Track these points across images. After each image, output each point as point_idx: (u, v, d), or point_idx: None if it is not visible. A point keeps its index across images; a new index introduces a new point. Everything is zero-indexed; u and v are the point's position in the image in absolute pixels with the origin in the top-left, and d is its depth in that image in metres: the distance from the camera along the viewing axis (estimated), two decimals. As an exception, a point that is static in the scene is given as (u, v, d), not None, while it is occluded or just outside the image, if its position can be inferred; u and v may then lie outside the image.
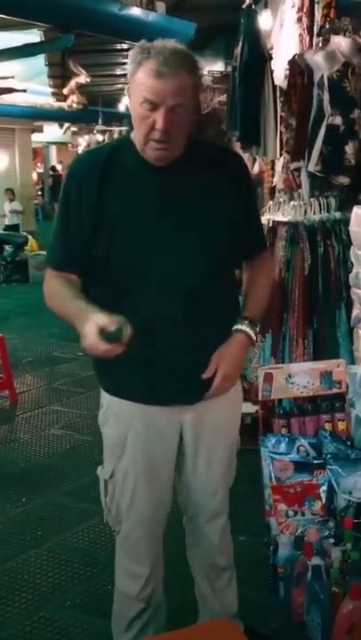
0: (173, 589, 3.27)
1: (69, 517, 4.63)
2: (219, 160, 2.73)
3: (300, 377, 4.21)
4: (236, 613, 3.09)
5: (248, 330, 2.71)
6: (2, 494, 5.05)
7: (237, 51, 5.87)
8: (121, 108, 19.02)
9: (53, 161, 32.88)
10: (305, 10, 5.45)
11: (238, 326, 2.71)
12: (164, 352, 2.61)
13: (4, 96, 15.91)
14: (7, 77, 13.26)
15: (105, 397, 2.81)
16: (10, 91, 14.41)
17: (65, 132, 24.96)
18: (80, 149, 31.75)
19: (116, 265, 2.59)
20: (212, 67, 11.49)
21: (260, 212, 3.29)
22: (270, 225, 5.07)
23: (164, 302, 2.57)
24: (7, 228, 18.23)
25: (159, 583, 2.97)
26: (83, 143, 30.01)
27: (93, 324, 2.35)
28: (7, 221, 18.75)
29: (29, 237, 16.55)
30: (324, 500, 3.91)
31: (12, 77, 13.40)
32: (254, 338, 2.76)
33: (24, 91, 15.17)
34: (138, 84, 2.44)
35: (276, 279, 4.79)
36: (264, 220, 5.32)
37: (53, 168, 31.80)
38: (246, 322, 2.72)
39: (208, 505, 2.92)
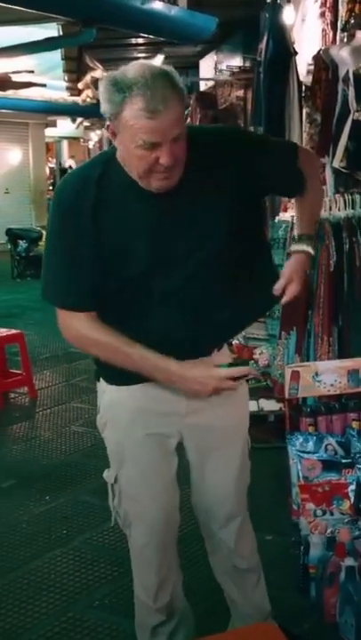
0: (197, 595, 3.25)
1: (94, 516, 4.61)
2: (210, 149, 2.51)
3: (327, 375, 4.18)
4: (270, 612, 3.07)
5: (306, 248, 2.70)
6: (25, 492, 5.04)
7: (262, 45, 5.83)
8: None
9: (65, 155, 32.87)
10: (328, 5, 5.43)
11: (297, 247, 2.72)
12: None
13: (18, 90, 15.91)
14: (27, 71, 13.21)
15: (102, 399, 2.75)
16: (29, 85, 14.36)
17: (77, 127, 24.96)
18: (91, 144, 31.78)
19: (125, 292, 2.49)
20: (231, 62, 11.47)
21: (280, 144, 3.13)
22: (295, 222, 5.03)
23: (176, 321, 2.51)
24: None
25: (178, 591, 2.94)
26: (95, 138, 30.00)
27: (212, 368, 2.44)
28: None
29: (43, 232, 16.51)
30: (352, 500, 3.89)
31: (32, 72, 13.35)
32: (313, 252, 2.75)
33: (44, 85, 15.11)
34: (127, 126, 2.25)
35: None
36: (288, 216, 5.30)
37: (65, 169, 31.70)
38: (303, 239, 2.72)
39: (218, 511, 2.87)
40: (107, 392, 2.71)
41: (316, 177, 2.90)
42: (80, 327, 2.49)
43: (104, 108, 2.31)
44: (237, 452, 2.84)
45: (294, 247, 2.73)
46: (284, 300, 2.60)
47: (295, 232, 2.83)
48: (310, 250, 2.70)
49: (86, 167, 2.58)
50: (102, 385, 2.73)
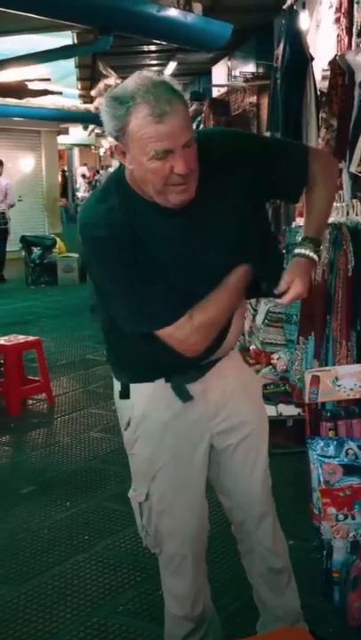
0: (224, 598, 3.26)
1: (115, 521, 4.63)
2: (219, 155, 2.49)
3: (346, 380, 4.19)
4: (301, 614, 3.09)
5: (312, 255, 2.56)
6: (46, 498, 5.06)
7: (278, 52, 5.85)
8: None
9: (76, 163, 32.96)
10: (343, 10, 5.42)
11: (299, 250, 2.58)
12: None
13: (30, 98, 15.96)
14: (43, 79, 13.26)
15: (132, 414, 2.69)
16: (45, 93, 14.41)
17: (89, 135, 25.04)
18: (102, 151, 31.86)
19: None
20: (244, 68, 11.50)
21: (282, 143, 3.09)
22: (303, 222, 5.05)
23: None
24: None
25: (208, 599, 2.96)
26: (106, 145, 30.07)
27: None
28: None
29: (57, 239, 16.54)
30: (373, 504, 3.90)
31: (49, 79, 13.40)
32: (315, 257, 2.59)
33: (60, 93, 15.16)
34: (136, 138, 2.23)
35: (318, 281, 4.78)
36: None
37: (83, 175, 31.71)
38: (306, 243, 2.58)
39: (252, 510, 2.89)
40: (137, 407, 2.67)
41: (330, 178, 2.75)
42: (197, 319, 2.43)
43: (109, 127, 2.29)
44: (263, 451, 2.87)
45: (296, 250, 2.59)
46: (285, 299, 2.53)
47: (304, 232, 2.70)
48: (312, 254, 2.57)
49: (101, 198, 2.50)
50: (131, 401, 2.69)
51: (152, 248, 2.39)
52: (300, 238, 2.66)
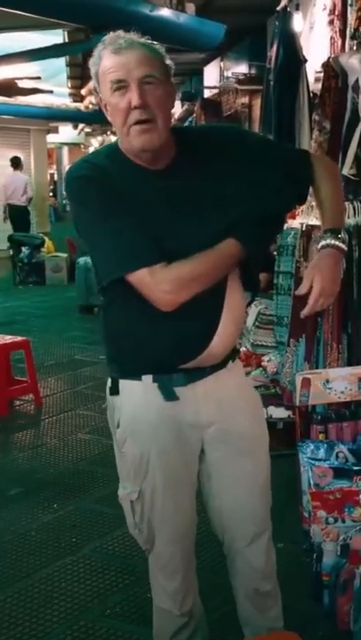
0: (210, 603, 3.24)
1: (103, 524, 4.60)
2: (214, 139, 2.62)
3: (337, 382, 4.17)
4: (282, 628, 3.04)
5: (336, 242, 2.51)
6: (33, 500, 5.02)
7: (272, 53, 5.83)
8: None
9: (65, 161, 32.94)
10: (337, 12, 5.42)
11: (325, 241, 2.53)
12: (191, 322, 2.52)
13: (19, 96, 15.97)
14: (33, 78, 13.25)
15: (121, 413, 2.68)
16: (36, 91, 14.41)
17: (79, 133, 25.04)
18: (91, 150, 31.88)
19: None
20: (236, 69, 11.50)
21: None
22: (304, 229, 5.03)
23: None
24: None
25: (197, 595, 2.92)
26: (95, 144, 30.08)
27: None
28: None
29: (46, 239, 16.52)
30: (364, 507, 3.89)
31: (39, 78, 13.39)
32: (344, 247, 2.53)
33: (50, 92, 15.16)
34: (102, 74, 2.39)
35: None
36: (297, 223, 5.30)
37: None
38: (329, 234, 2.54)
39: (245, 527, 2.83)
40: (125, 405, 2.65)
41: (335, 176, 2.76)
42: (175, 269, 2.39)
43: (92, 83, 2.48)
44: (262, 463, 2.81)
45: (320, 243, 2.55)
46: (310, 300, 2.45)
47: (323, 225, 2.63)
48: (335, 242, 2.51)
49: (90, 156, 2.68)
50: (120, 399, 2.67)
51: (133, 204, 2.42)
52: (318, 235, 2.62)
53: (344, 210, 2.72)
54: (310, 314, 2.52)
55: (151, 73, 2.37)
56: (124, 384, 2.65)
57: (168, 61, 2.45)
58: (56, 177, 32.96)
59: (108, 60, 2.35)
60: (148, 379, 2.59)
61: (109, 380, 2.71)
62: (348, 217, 4.83)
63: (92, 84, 2.52)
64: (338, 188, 2.73)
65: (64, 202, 30.01)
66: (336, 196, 2.68)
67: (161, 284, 2.38)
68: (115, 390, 2.68)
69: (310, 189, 2.73)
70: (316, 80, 5.70)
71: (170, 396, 2.58)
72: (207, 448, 2.71)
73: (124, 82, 2.35)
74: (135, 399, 2.63)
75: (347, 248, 2.56)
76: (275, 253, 5.52)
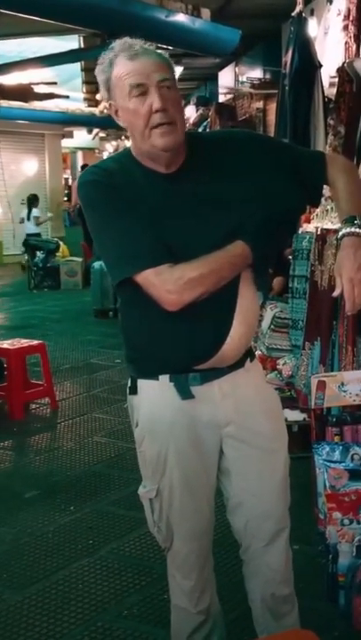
0: (226, 605, 3.25)
1: (119, 526, 4.62)
2: (224, 143, 2.65)
3: (352, 385, 4.18)
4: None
5: (354, 229, 2.46)
6: (50, 503, 5.06)
7: (286, 58, 5.85)
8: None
9: (79, 166, 32.97)
10: (351, 18, 5.44)
11: (343, 231, 2.49)
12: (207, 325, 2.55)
13: (35, 101, 16.01)
14: (49, 83, 13.30)
15: (139, 413, 2.71)
16: (52, 96, 14.45)
17: (94, 138, 25.07)
18: (105, 155, 31.90)
19: None
20: (251, 74, 11.50)
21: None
22: (319, 233, 5.05)
23: None
24: (27, 237, 17.62)
25: (214, 594, 2.93)
26: (110, 149, 30.11)
27: None
28: (26, 230, 17.96)
29: (60, 243, 16.56)
30: (379, 509, 3.89)
31: (55, 83, 13.44)
32: None
33: (67, 97, 15.20)
34: (118, 83, 2.41)
35: (325, 287, 4.78)
36: (312, 227, 5.32)
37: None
38: (347, 223, 2.50)
39: (264, 525, 2.82)
40: (143, 405, 2.69)
41: (352, 172, 2.73)
42: (180, 270, 2.41)
43: (102, 90, 2.51)
44: (281, 461, 2.81)
45: (343, 230, 2.49)
46: (348, 307, 2.40)
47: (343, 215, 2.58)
48: (356, 229, 2.45)
49: (103, 161, 2.73)
50: (138, 398, 2.71)
51: (142, 207, 2.46)
52: (338, 226, 2.58)
53: None
54: (355, 310, 2.42)
55: (167, 77, 2.44)
56: (142, 383, 2.68)
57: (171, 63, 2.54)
58: (70, 182, 33.00)
59: (125, 65, 2.39)
60: (164, 378, 2.62)
61: (129, 380, 2.75)
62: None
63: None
64: (353, 181, 2.70)
65: (77, 206, 30.04)
66: (351, 187, 2.66)
67: (166, 283, 2.41)
68: (133, 390, 2.72)
69: (327, 191, 2.76)
70: (331, 85, 5.72)
71: (186, 394, 2.60)
72: (225, 447, 2.73)
73: (144, 86, 2.39)
74: (152, 398, 2.66)
75: None
76: (290, 257, 5.53)
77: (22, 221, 18.30)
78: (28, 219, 17.94)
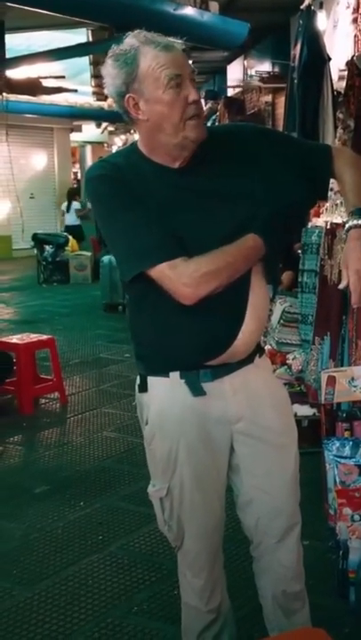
0: (235, 602, 3.24)
1: (129, 521, 4.62)
2: (231, 137, 2.66)
3: (363, 380, 4.16)
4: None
5: (360, 222, 2.42)
6: (59, 498, 5.06)
7: (295, 52, 5.81)
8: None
9: (89, 160, 32.96)
10: (361, 11, 5.41)
11: (349, 224, 2.45)
12: (217, 318, 2.54)
13: (43, 95, 15.99)
14: (58, 77, 13.27)
15: (149, 411, 2.70)
16: (60, 90, 14.42)
17: (103, 132, 25.05)
18: (114, 149, 31.88)
19: None
20: (260, 67, 11.48)
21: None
22: (328, 227, 5.02)
23: None
24: (68, 229, 18.17)
25: (225, 592, 2.92)
26: (119, 143, 30.08)
27: None
28: (67, 221, 18.65)
29: (70, 238, 16.56)
30: (390, 505, 3.88)
31: (64, 77, 13.41)
32: None
33: (75, 91, 15.18)
34: (149, 73, 2.37)
35: (334, 282, 4.75)
36: (321, 221, 5.29)
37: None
38: (353, 215, 2.46)
39: (276, 521, 2.81)
40: (153, 402, 2.67)
41: (358, 164, 2.69)
42: (196, 263, 2.40)
43: (118, 82, 2.41)
44: (292, 456, 2.80)
45: (349, 223, 2.46)
46: (355, 299, 2.36)
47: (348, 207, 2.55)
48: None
49: (110, 157, 2.72)
50: (148, 396, 2.69)
51: (151, 201, 2.46)
52: (343, 219, 2.58)
53: None
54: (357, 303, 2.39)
55: (194, 70, 2.47)
56: (152, 381, 2.67)
57: None
58: (79, 175, 32.99)
59: (158, 56, 2.36)
60: (175, 375, 2.61)
61: (138, 378, 2.73)
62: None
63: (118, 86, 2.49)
64: (359, 174, 2.67)
65: (85, 201, 30.07)
66: (358, 179, 2.62)
67: (182, 277, 2.40)
68: (143, 387, 2.70)
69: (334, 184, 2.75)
70: (340, 78, 5.69)
71: (197, 391, 2.59)
72: (236, 444, 2.72)
73: (180, 77, 2.38)
74: (163, 395, 2.65)
75: None
76: (299, 251, 5.51)
77: (63, 214, 18.86)
78: (68, 211, 18.38)
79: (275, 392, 2.82)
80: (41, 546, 4.41)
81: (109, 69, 2.42)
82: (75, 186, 20.77)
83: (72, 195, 18.62)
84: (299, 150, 2.73)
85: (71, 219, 18.29)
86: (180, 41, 2.46)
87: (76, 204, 18.10)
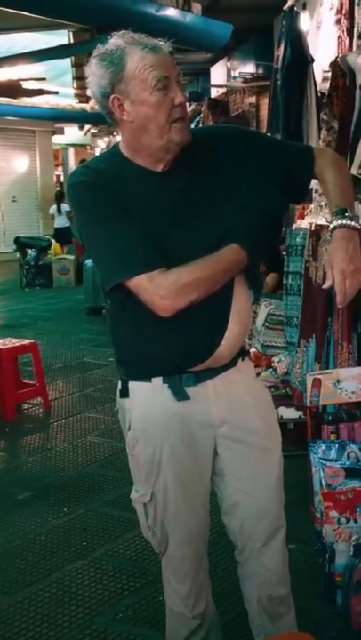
0: (221, 606, 3.21)
1: (114, 527, 4.58)
2: (212, 140, 2.62)
3: (348, 382, 4.14)
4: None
5: (343, 221, 2.42)
6: (43, 504, 5.01)
7: (278, 53, 5.80)
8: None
9: (72, 163, 32.90)
10: (344, 12, 5.41)
11: (333, 224, 2.45)
12: (199, 325, 2.50)
13: (24, 97, 15.94)
14: (38, 79, 13.23)
15: (132, 416, 2.67)
16: (41, 92, 14.39)
17: (85, 134, 25.00)
18: (98, 151, 31.83)
19: None
20: (243, 68, 11.48)
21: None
22: (313, 229, 5.00)
23: None
24: (58, 231, 18.17)
25: (210, 597, 2.90)
26: (102, 145, 30.03)
27: None
28: (57, 224, 18.63)
29: (53, 241, 16.53)
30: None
31: (44, 79, 13.37)
32: (355, 224, 2.43)
33: (56, 93, 15.14)
34: (136, 74, 2.34)
35: (319, 283, 4.73)
36: (306, 223, 5.28)
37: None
38: (337, 215, 2.46)
39: (261, 525, 2.79)
40: (136, 407, 2.64)
41: (340, 165, 2.71)
42: (174, 275, 2.37)
43: (103, 83, 2.38)
44: (275, 459, 2.78)
45: (331, 226, 2.46)
46: (339, 299, 2.38)
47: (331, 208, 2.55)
48: (345, 221, 2.42)
49: (91, 161, 2.66)
50: (131, 401, 2.66)
51: (133, 207, 2.43)
52: (327, 220, 2.58)
53: (351, 194, 2.66)
54: (346, 302, 2.41)
55: (180, 72, 2.45)
56: (134, 386, 2.64)
57: None
58: (62, 178, 32.94)
59: (146, 58, 2.34)
60: (157, 380, 2.58)
61: (119, 383, 2.70)
62: (359, 216, 4.80)
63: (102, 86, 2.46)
64: (341, 174, 2.68)
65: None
66: (340, 180, 2.63)
67: (159, 289, 2.36)
68: (125, 393, 2.67)
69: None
70: (324, 79, 5.69)
71: (180, 395, 2.57)
72: (220, 448, 2.69)
73: (168, 79, 2.36)
74: (145, 400, 2.62)
75: (359, 225, 2.44)
76: (284, 254, 5.50)
77: (53, 217, 18.81)
78: (60, 213, 18.37)
79: (258, 395, 2.80)
80: (24, 553, 4.36)
81: (94, 69, 2.39)
82: (57, 189, 20.69)
83: (61, 197, 18.55)
84: (282, 153, 2.71)
85: (62, 221, 18.25)
86: (166, 43, 2.43)
87: (65, 206, 17.98)
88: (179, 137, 2.42)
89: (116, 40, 2.38)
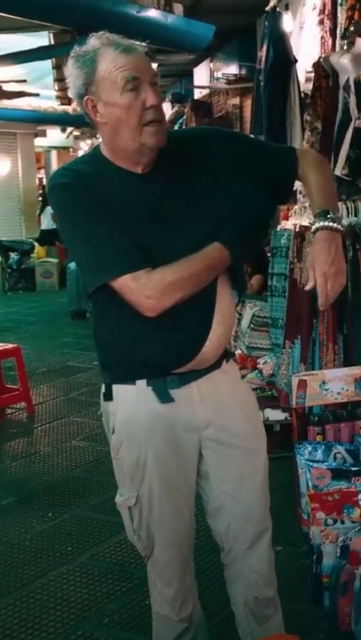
0: (208, 609, 3.20)
1: (99, 531, 4.55)
2: (194, 142, 2.62)
3: (334, 383, 4.15)
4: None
5: (325, 223, 2.41)
6: (27, 509, 4.97)
7: (261, 54, 5.78)
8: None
9: (54, 165, 32.83)
10: (327, 12, 5.39)
11: (315, 225, 2.43)
12: (182, 326, 2.49)
13: (5, 100, 15.88)
14: (19, 81, 13.19)
15: (116, 419, 2.65)
16: (21, 95, 14.35)
17: (68, 137, 24.95)
18: (81, 153, 31.77)
19: None
20: (227, 69, 11.48)
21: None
22: (297, 230, 4.99)
23: None
24: (45, 232, 18.07)
25: (196, 601, 2.88)
26: (85, 147, 29.98)
27: None
28: (43, 225, 18.54)
29: (35, 244, 16.48)
30: (363, 508, 3.86)
31: (25, 81, 13.33)
32: (336, 225, 2.43)
33: (37, 95, 15.10)
34: (106, 76, 2.33)
35: (304, 285, 4.72)
36: (290, 224, 5.26)
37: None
38: (319, 217, 2.45)
39: (247, 527, 2.78)
40: (120, 410, 2.63)
41: (323, 166, 2.70)
42: (158, 274, 2.36)
43: (78, 83, 2.39)
44: (261, 462, 2.77)
45: (313, 228, 2.45)
46: (321, 301, 2.37)
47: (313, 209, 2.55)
48: (327, 223, 2.41)
49: (72, 162, 2.65)
50: (115, 404, 2.65)
51: (115, 209, 2.41)
52: (310, 222, 2.58)
53: (334, 195, 2.66)
54: (328, 304, 2.40)
55: (155, 74, 2.42)
56: (118, 389, 2.62)
57: None
58: (45, 181, 32.87)
59: (117, 59, 2.32)
60: (141, 383, 2.57)
61: (103, 386, 2.68)
62: (342, 217, 4.79)
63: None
64: (324, 175, 2.67)
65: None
66: (322, 181, 2.62)
67: (144, 289, 2.35)
68: (109, 396, 2.65)
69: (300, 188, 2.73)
70: (307, 80, 5.68)
71: (165, 397, 2.55)
72: (205, 450, 2.68)
73: (138, 80, 2.34)
74: (130, 403, 2.60)
75: (341, 227, 2.46)
76: (268, 255, 5.48)
77: (39, 220, 18.97)
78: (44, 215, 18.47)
79: (242, 397, 2.79)
80: (8, 558, 4.32)
81: (71, 70, 2.40)
82: (39, 191, 20.67)
83: (46, 199, 18.50)
84: (265, 154, 2.71)
85: (48, 222, 18.14)
86: (143, 44, 2.43)
87: (50, 208, 17.93)
88: (152, 140, 2.40)
89: (92, 41, 2.38)
